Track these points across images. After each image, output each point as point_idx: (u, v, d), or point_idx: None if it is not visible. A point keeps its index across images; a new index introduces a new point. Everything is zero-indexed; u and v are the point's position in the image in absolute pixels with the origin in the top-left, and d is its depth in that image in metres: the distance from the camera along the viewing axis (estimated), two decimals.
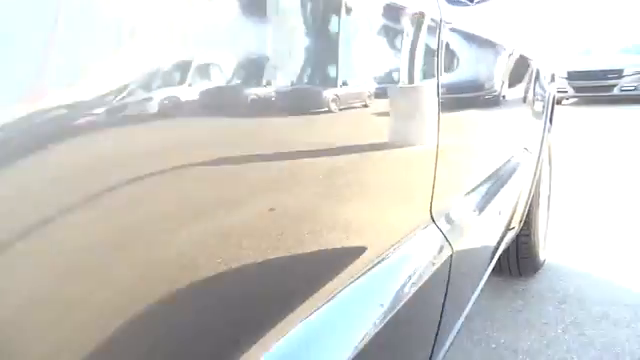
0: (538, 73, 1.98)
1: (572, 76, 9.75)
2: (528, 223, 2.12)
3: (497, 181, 1.44)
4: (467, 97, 1.19)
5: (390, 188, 0.78)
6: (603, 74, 9.72)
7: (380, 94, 0.73)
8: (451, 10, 1.00)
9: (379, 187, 0.76)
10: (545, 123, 2.13)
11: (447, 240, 0.92)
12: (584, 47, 11.53)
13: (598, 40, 12.05)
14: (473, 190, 1.24)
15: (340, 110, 0.61)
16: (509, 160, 1.65)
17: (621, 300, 2.10)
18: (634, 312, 2.00)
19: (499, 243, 1.52)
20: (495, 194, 1.36)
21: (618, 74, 9.72)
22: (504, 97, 1.58)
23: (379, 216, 0.77)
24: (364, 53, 0.69)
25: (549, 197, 2.58)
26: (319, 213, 0.59)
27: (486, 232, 1.33)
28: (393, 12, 0.77)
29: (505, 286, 2.28)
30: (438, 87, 0.88)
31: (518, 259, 2.24)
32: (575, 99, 10.33)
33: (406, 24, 0.81)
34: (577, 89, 9.89)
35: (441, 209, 0.96)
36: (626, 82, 9.71)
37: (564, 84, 9.49)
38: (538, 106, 2.03)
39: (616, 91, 9.74)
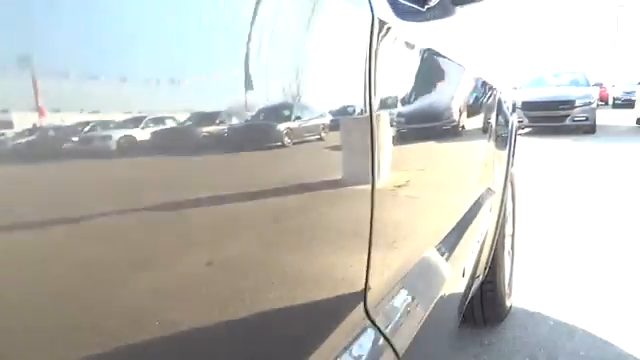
0: (500, 102, 1.79)
1: (526, 106, 9.89)
2: (493, 268, 1.91)
3: (458, 233, 1.20)
4: (416, 132, 0.95)
5: (305, 278, 0.55)
6: (556, 105, 9.93)
7: (291, 132, 0.52)
8: (396, 24, 0.77)
9: (287, 276, 0.52)
10: (509, 157, 1.94)
11: (391, 345, 0.67)
12: (534, 77, 11.80)
13: (547, 71, 12.39)
14: (428, 256, 0.98)
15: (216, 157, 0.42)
16: (472, 206, 1.43)
17: (596, 354, 1.89)
18: None
19: (462, 308, 1.28)
20: (456, 251, 1.12)
21: (570, 105, 9.95)
22: (463, 130, 1.36)
23: (292, 321, 0.52)
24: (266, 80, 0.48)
25: (513, 236, 2.39)
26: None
27: (445, 310, 1.07)
28: (314, 21, 0.55)
29: (469, 338, 2.05)
30: (371, 121, 0.64)
31: (483, 308, 2.02)
32: (530, 129, 10.48)
33: (327, 36, 0.58)
34: (531, 119, 10.05)
35: (381, 299, 0.71)
36: (577, 113, 9.95)
37: (520, 114, 9.61)
38: (501, 139, 1.84)
39: (568, 121, 9.95)
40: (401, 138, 0.84)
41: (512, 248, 2.36)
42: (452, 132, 1.28)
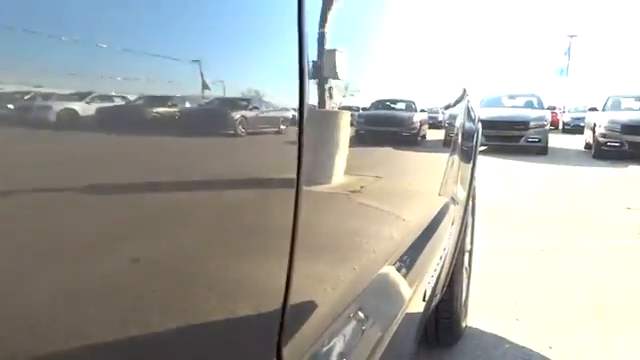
0: (469, 106, 1.66)
1: (483, 125, 10.00)
2: (450, 286, 1.76)
3: (418, 249, 1.04)
4: (364, 131, 0.79)
5: (195, 306, 0.40)
6: (512, 125, 10.13)
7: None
8: None
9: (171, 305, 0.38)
10: (473, 166, 1.80)
11: None
12: (491, 97, 12.02)
13: (503, 92, 12.65)
14: (378, 280, 0.81)
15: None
16: (434, 217, 1.27)
17: None
18: None
19: (419, 334, 1.11)
20: (415, 272, 0.96)
21: (525, 126, 10.18)
22: (427, 132, 1.21)
23: None
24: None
25: (471, 252, 2.26)
26: None
27: (399, 343, 0.86)
28: None
29: None
30: (301, 120, 0.48)
31: (437, 328, 1.87)
32: (485, 147, 10.63)
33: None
34: (487, 138, 10.19)
35: (304, 342, 0.53)
36: (531, 134, 10.20)
37: None
38: (467, 146, 1.70)
39: (522, 142, 10.17)
40: (343, 136, 0.68)
41: (469, 265, 2.23)
42: (413, 133, 1.13)
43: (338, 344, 0.60)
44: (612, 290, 2.61)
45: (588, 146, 11.14)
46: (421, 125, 1.16)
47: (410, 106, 1.11)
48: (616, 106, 10.77)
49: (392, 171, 0.96)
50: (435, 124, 1.34)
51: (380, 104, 0.92)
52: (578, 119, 18.11)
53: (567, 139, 14.77)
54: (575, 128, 18.18)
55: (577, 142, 12.82)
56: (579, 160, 9.66)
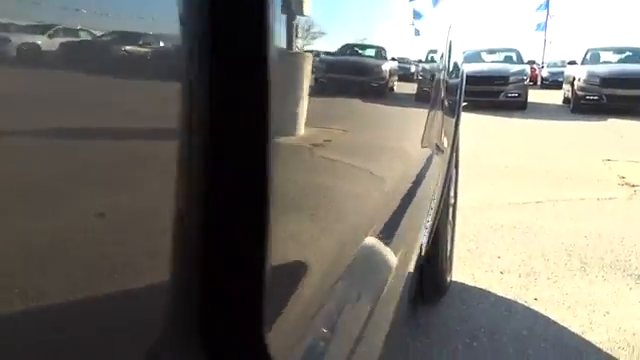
0: (451, 44, 1.55)
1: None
2: (435, 241, 1.70)
3: (406, 205, 0.95)
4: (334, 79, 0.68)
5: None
6: (491, 80, 10.03)
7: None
8: None
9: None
10: (459, 110, 1.70)
11: None
12: (470, 52, 11.86)
13: (482, 47, 12.51)
14: (365, 237, 0.72)
15: None
16: (422, 167, 1.18)
17: (540, 333, 1.75)
18: (557, 350, 1.65)
19: (412, 292, 1.04)
20: (407, 224, 0.87)
21: (504, 81, 10.10)
22: (405, 88, 1.11)
23: None
24: None
25: (454, 206, 2.20)
26: None
27: (392, 308, 0.78)
28: None
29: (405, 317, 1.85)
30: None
31: (422, 284, 1.81)
32: (465, 103, 10.56)
33: None
34: (467, 93, 10.08)
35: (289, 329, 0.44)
36: (511, 89, 10.13)
37: None
38: (451, 97, 1.60)
39: (502, 97, 10.10)
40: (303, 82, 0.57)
41: (453, 218, 2.17)
42: (382, 84, 1.02)
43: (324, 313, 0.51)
44: (596, 241, 2.60)
45: (567, 100, 11.12)
46: (400, 75, 1.06)
47: (380, 54, 1.01)
48: (595, 59, 10.73)
49: (371, 123, 0.86)
50: (419, 75, 1.24)
51: (351, 48, 0.82)
52: (556, 74, 18.07)
53: (546, 94, 14.76)
54: (554, 83, 18.14)
55: (556, 97, 12.82)
56: (558, 115, 9.67)
